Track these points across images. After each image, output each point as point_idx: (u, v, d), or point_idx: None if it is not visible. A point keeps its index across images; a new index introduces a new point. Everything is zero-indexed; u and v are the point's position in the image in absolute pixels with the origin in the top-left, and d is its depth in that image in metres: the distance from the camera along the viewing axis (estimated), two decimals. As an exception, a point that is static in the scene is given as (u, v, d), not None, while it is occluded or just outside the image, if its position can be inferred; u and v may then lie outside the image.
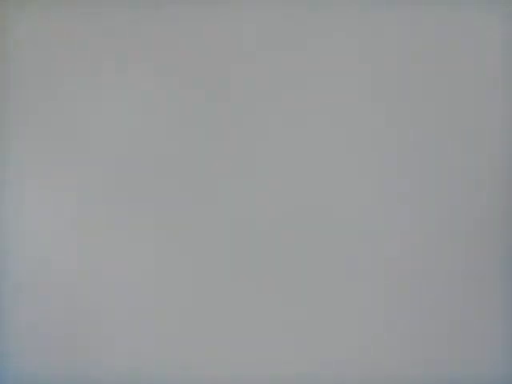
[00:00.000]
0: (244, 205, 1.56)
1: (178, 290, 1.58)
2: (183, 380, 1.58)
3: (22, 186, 1.64)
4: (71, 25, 1.63)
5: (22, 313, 1.63)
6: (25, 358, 1.63)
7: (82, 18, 1.62)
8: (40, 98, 1.63)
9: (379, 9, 1.52)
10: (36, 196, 1.63)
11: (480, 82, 1.49)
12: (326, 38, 1.54)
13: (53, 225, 1.62)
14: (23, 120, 1.64)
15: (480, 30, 1.49)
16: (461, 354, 1.49)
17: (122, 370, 1.60)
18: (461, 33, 1.50)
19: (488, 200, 1.49)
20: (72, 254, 1.61)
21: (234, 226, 1.56)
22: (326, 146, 1.54)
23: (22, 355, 1.63)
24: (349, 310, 1.53)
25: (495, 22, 1.48)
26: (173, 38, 1.59)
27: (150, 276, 1.59)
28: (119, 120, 1.61)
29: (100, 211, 1.61)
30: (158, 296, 1.59)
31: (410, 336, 1.51)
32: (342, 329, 1.53)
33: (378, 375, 1.51)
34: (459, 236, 1.49)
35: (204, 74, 1.58)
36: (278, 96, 1.56)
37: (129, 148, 1.60)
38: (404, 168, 1.52)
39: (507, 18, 1.49)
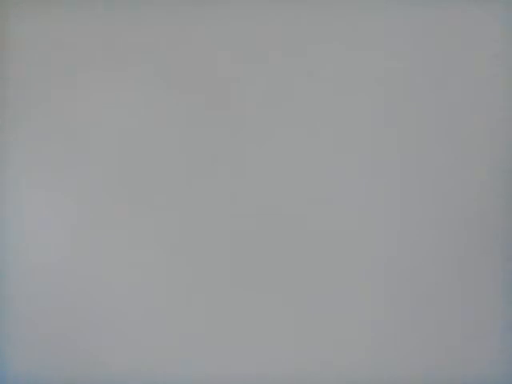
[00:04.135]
0: (244, 206, 1.56)
1: (178, 290, 1.58)
2: (183, 380, 1.58)
3: (22, 186, 1.64)
4: (71, 25, 1.63)
5: (22, 313, 1.63)
6: (24, 357, 1.63)
7: (82, 18, 1.62)
8: (40, 98, 1.63)
9: (379, 9, 1.52)
10: (36, 196, 1.63)
11: (480, 82, 1.49)
12: (326, 43, 1.54)
13: (53, 225, 1.62)
14: (23, 120, 1.64)
15: (480, 28, 1.49)
16: (461, 354, 1.49)
17: (122, 370, 1.60)
18: (461, 31, 1.50)
19: (488, 200, 1.49)
20: (72, 254, 1.61)
21: (234, 226, 1.56)
22: (327, 147, 1.54)
23: (22, 355, 1.63)
24: (348, 309, 1.53)
25: (496, 22, 1.49)
26: (173, 38, 1.59)
27: (149, 277, 1.59)
28: (119, 121, 1.61)
29: (100, 212, 1.61)
30: (157, 296, 1.59)
31: (409, 336, 1.51)
32: (342, 329, 1.53)
33: (378, 375, 1.51)
34: (459, 236, 1.49)
35: (204, 74, 1.58)
36: (279, 97, 1.56)
37: (129, 149, 1.60)
38: (403, 168, 1.52)
39: (507, 17, 1.49)
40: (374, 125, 1.52)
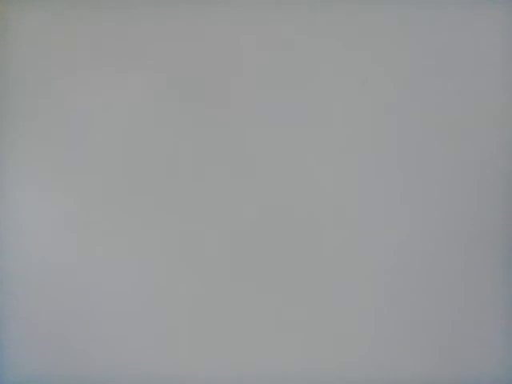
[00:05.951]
0: (244, 206, 1.56)
1: (178, 290, 1.58)
2: (183, 380, 1.58)
3: (22, 186, 1.64)
4: (71, 25, 1.63)
5: (22, 313, 1.63)
6: (24, 357, 1.63)
7: (82, 18, 1.62)
8: (40, 98, 1.63)
9: (379, 9, 1.53)
10: (36, 197, 1.63)
11: (480, 81, 1.49)
12: (326, 43, 1.54)
13: (52, 225, 1.62)
14: (23, 120, 1.64)
15: (480, 29, 1.49)
16: (461, 354, 1.49)
17: (121, 370, 1.60)
18: (461, 31, 1.50)
19: (488, 200, 1.49)
20: (71, 254, 1.61)
21: (234, 226, 1.56)
22: (326, 146, 1.54)
23: (22, 355, 1.63)
24: (349, 310, 1.53)
25: (495, 21, 1.49)
26: (173, 38, 1.59)
27: (149, 276, 1.59)
28: (119, 121, 1.61)
29: (99, 212, 1.61)
30: (157, 296, 1.59)
31: (410, 336, 1.51)
32: (343, 328, 1.53)
33: (378, 375, 1.51)
34: (459, 236, 1.49)
35: (204, 74, 1.58)
36: (279, 97, 1.56)
37: (129, 149, 1.60)
38: (404, 167, 1.52)
39: (507, 17, 1.49)
40: (375, 125, 1.52)
